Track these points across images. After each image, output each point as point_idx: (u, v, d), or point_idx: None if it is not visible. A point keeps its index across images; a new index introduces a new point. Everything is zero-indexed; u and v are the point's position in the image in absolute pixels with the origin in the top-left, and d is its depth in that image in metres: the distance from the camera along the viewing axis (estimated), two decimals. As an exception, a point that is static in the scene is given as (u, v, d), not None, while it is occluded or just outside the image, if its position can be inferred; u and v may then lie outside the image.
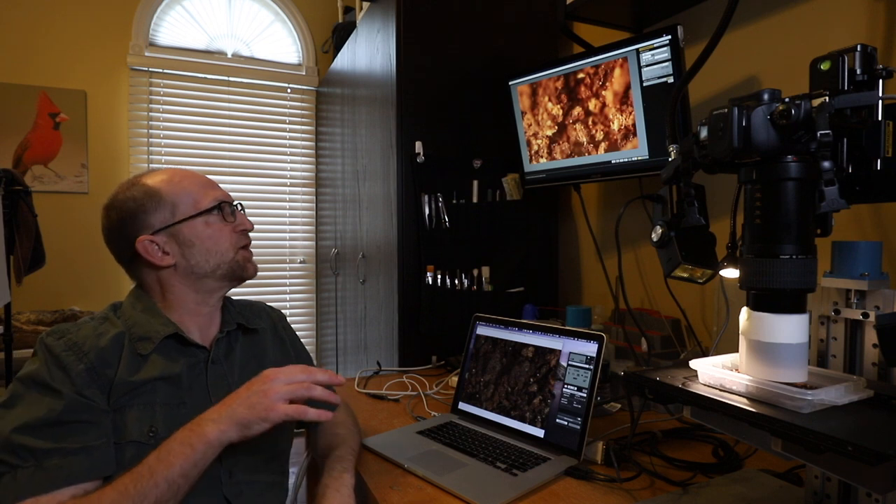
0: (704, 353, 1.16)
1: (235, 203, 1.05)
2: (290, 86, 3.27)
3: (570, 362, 1.13)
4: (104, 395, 0.87)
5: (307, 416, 0.83)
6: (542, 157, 1.76)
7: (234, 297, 1.13)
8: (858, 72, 0.66)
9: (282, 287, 3.26)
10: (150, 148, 2.95)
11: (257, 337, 1.09)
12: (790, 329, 0.69)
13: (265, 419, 0.81)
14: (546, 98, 1.69)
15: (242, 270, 1.02)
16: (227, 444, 0.82)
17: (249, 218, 1.07)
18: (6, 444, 0.79)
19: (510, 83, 1.78)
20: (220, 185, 1.07)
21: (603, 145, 1.56)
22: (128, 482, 0.78)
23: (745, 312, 0.73)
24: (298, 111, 3.30)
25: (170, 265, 0.97)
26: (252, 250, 1.07)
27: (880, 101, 0.66)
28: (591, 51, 1.54)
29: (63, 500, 0.79)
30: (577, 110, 1.61)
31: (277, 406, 0.82)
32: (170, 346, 0.95)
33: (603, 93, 1.52)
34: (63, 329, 0.90)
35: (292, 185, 3.27)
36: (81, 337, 0.89)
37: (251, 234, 1.07)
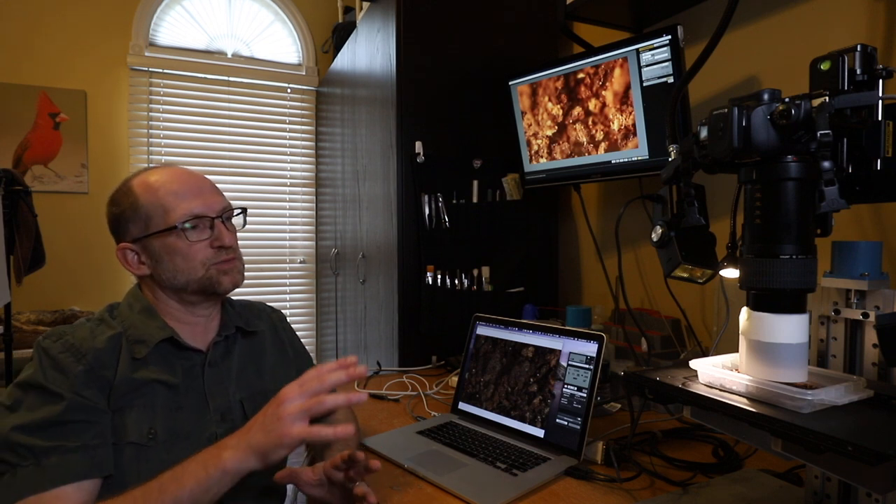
0: (704, 353, 1.16)
1: (219, 215, 0.97)
2: (290, 86, 3.27)
3: (570, 362, 1.13)
4: (103, 396, 0.86)
5: (324, 435, 0.77)
6: (542, 157, 1.76)
7: (233, 298, 1.13)
8: (858, 72, 0.66)
9: (282, 287, 3.25)
10: (150, 148, 2.95)
11: (256, 339, 1.09)
12: (790, 329, 0.69)
13: (281, 445, 0.76)
14: (546, 98, 1.69)
15: (215, 286, 0.96)
16: (248, 472, 0.78)
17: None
18: (6, 442, 0.79)
19: (510, 83, 1.78)
20: (221, 186, 1.04)
21: (603, 145, 1.56)
22: (137, 495, 0.77)
23: (745, 312, 0.73)
24: (298, 111, 3.30)
25: (146, 274, 0.97)
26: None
27: (880, 101, 0.66)
28: (591, 51, 1.54)
29: (65, 498, 0.78)
30: (577, 110, 1.61)
31: (292, 430, 0.76)
32: (165, 349, 0.94)
33: (603, 93, 1.52)
34: (59, 331, 0.90)
35: (292, 185, 3.27)
36: (78, 339, 0.89)
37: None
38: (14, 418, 0.81)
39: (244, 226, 1.06)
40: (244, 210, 1.05)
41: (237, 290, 1.01)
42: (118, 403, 0.87)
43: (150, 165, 2.93)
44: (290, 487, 1.09)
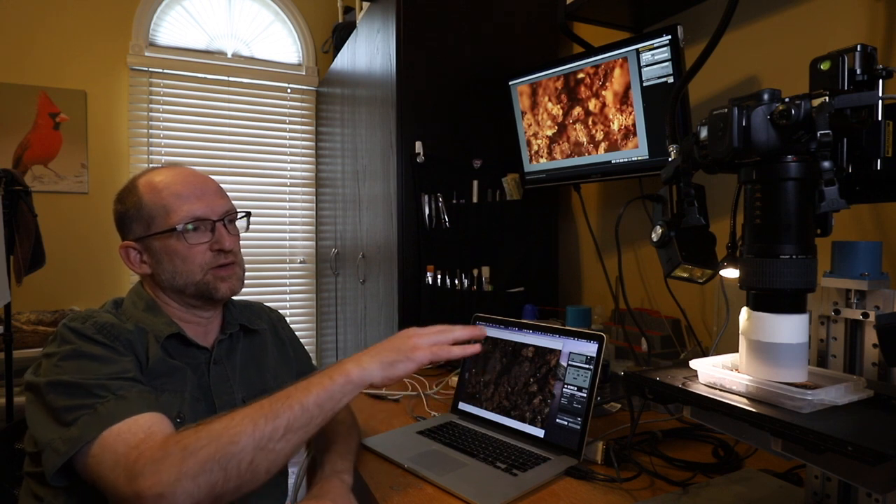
0: (704, 353, 1.16)
1: (220, 218, 0.97)
2: (290, 86, 3.27)
3: (570, 362, 1.13)
4: (140, 373, 0.87)
5: (452, 354, 0.88)
6: (542, 157, 1.76)
7: (233, 297, 1.13)
8: (858, 72, 0.66)
9: (282, 287, 3.25)
10: (150, 148, 2.95)
11: (258, 338, 1.09)
12: (790, 329, 0.69)
13: (411, 359, 0.84)
14: (546, 98, 1.69)
15: (212, 292, 0.96)
16: (369, 384, 0.83)
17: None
18: (76, 386, 0.78)
19: (510, 83, 1.78)
20: (221, 186, 1.04)
21: (603, 145, 1.56)
22: (264, 402, 0.78)
23: (745, 312, 0.73)
24: (298, 111, 3.30)
25: (147, 273, 0.97)
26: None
27: (880, 101, 0.65)
28: (591, 51, 1.54)
29: (159, 423, 0.78)
30: (577, 110, 1.61)
31: (422, 348, 0.85)
32: (172, 345, 0.94)
33: (603, 93, 1.52)
34: (83, 315, 0.89)
35: (292, 185, 3.27)
36: (106, 321, 0.89)
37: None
38: (76, 371, 0.80)
39: (247, 229, 1.06)
40: (248, 213, 1.05)
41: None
42: (152, 385, 0.87)
43: (158, 165, 2.94)
44: (290, 487, 1.09)
